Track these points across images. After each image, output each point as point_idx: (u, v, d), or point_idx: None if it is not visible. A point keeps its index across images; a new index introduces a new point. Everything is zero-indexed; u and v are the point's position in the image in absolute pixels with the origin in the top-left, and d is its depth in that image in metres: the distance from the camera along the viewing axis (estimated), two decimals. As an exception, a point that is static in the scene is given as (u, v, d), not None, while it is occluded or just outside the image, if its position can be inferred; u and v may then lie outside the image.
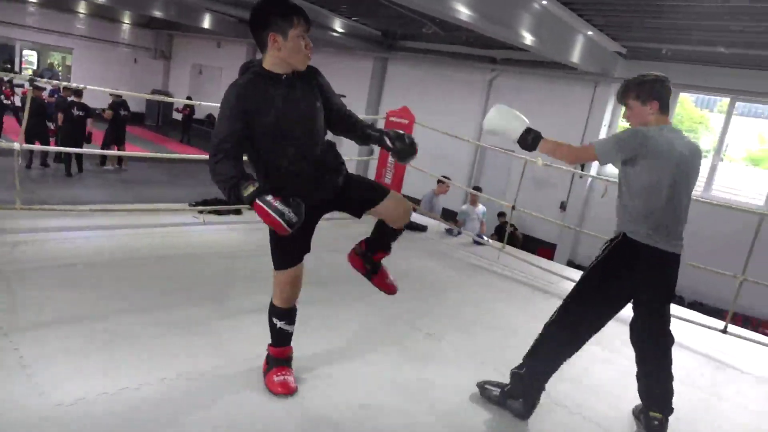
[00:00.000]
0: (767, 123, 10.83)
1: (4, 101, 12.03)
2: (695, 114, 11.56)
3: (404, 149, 2.44)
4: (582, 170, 9.14)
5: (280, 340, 2.58)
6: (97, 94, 13.74)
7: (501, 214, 10.71)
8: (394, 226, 2.60)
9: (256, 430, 2.36)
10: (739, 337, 4.38)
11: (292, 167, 2.31)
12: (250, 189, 2.11)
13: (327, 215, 2.55)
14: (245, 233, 5.21)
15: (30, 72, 19.11)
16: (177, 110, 19.18)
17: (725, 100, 10.31)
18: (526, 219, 10.89)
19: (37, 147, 9.92)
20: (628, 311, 2.75)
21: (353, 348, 3.21)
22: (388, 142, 2.44)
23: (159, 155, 10.42)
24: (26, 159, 11.21)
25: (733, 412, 3.31)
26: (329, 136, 2.50)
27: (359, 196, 2.52)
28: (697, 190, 5.23)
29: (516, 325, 4.00)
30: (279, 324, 2.54)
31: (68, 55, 20.93)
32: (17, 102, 12.78)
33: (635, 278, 2.59)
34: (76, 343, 2.75)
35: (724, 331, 4.40)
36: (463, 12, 7.18)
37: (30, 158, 11.29)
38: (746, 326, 6.48)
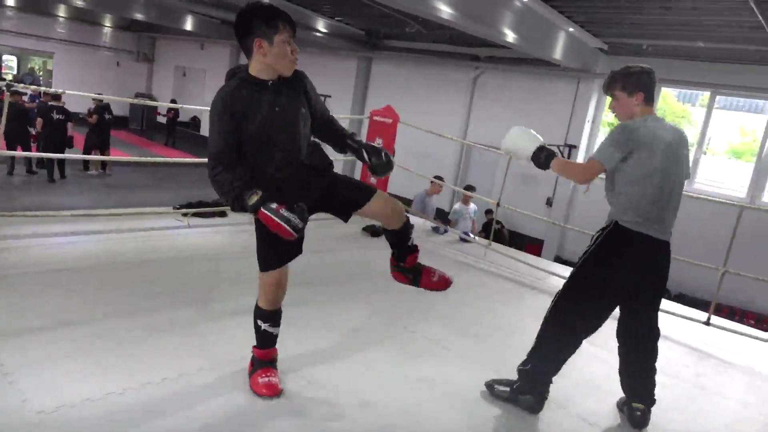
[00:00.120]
0: (748, 116, 10.99)
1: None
2: (678, 108, 11.70)
3: (379, 165, 2.46)
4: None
5: (265, 341, 2.58)
6: (79, 99, 13.62)
7: (489, 212, 10.75)
8: (388, 227, 2.60)
9: (242, 432, 2.36)
10: (722, 328, 4.42)
11: (279, 174, 2.32)
12: (255, 198, 2.16)
13: (311, 216, 2.55)
14: (230, 235, 5.19)
15: (10, 77, 18.87)
16: (158, 113, 19.03)
17: (706, 94, 10.43)
18: (513, 216, 10.93)
19: (18, 153, 9.82)
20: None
21: (353, 348, 3.22)
22: (365, 156, 2.46)
23: (142, 159, 10.30)
24: (8, 166, 11.13)
25: (717, 402, 3.34)
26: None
27: (345, 197, 2.52)
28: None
29: (511, 321, 4.02)
30: (264, 326, 2.53)
31: (49, 60, 20.72)
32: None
33: (627, 265, 2.61)
34: (59, 348, 2.72)
35: (707, 322, 4.45)
36: (445, 11, 7.21)
37: (12, 165, 11.15)
38: (732, 317, 6.57)
